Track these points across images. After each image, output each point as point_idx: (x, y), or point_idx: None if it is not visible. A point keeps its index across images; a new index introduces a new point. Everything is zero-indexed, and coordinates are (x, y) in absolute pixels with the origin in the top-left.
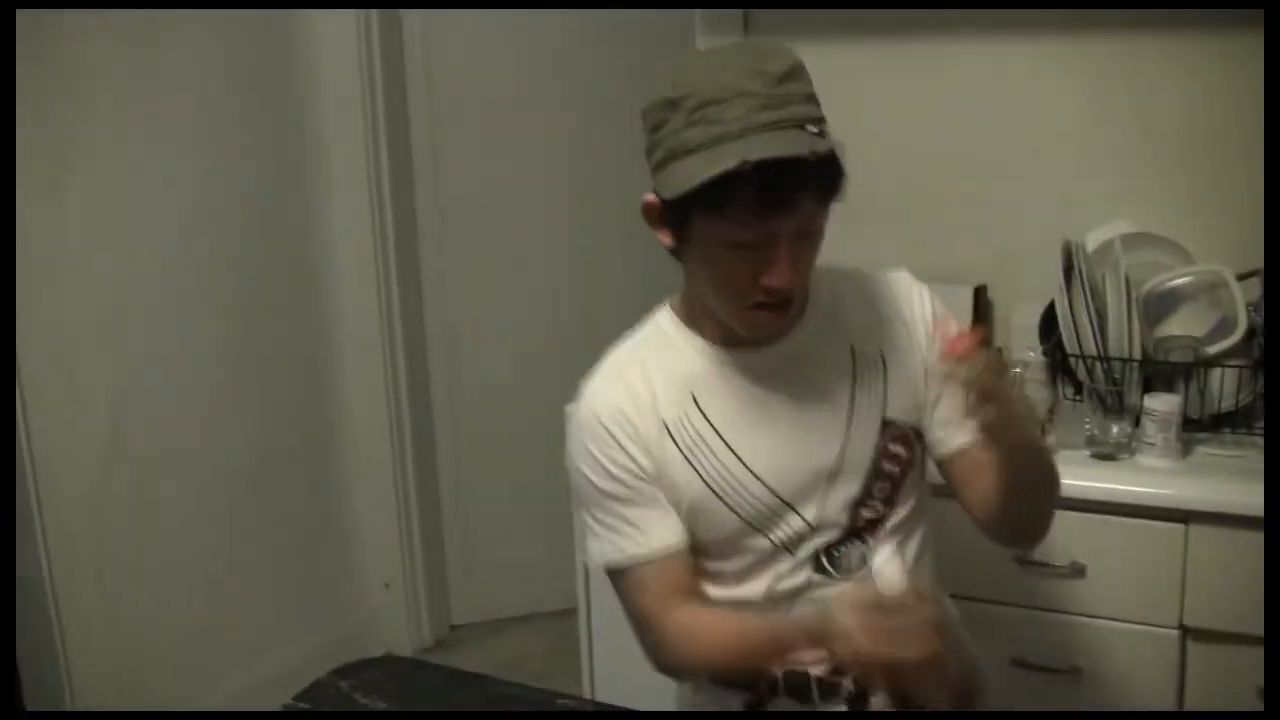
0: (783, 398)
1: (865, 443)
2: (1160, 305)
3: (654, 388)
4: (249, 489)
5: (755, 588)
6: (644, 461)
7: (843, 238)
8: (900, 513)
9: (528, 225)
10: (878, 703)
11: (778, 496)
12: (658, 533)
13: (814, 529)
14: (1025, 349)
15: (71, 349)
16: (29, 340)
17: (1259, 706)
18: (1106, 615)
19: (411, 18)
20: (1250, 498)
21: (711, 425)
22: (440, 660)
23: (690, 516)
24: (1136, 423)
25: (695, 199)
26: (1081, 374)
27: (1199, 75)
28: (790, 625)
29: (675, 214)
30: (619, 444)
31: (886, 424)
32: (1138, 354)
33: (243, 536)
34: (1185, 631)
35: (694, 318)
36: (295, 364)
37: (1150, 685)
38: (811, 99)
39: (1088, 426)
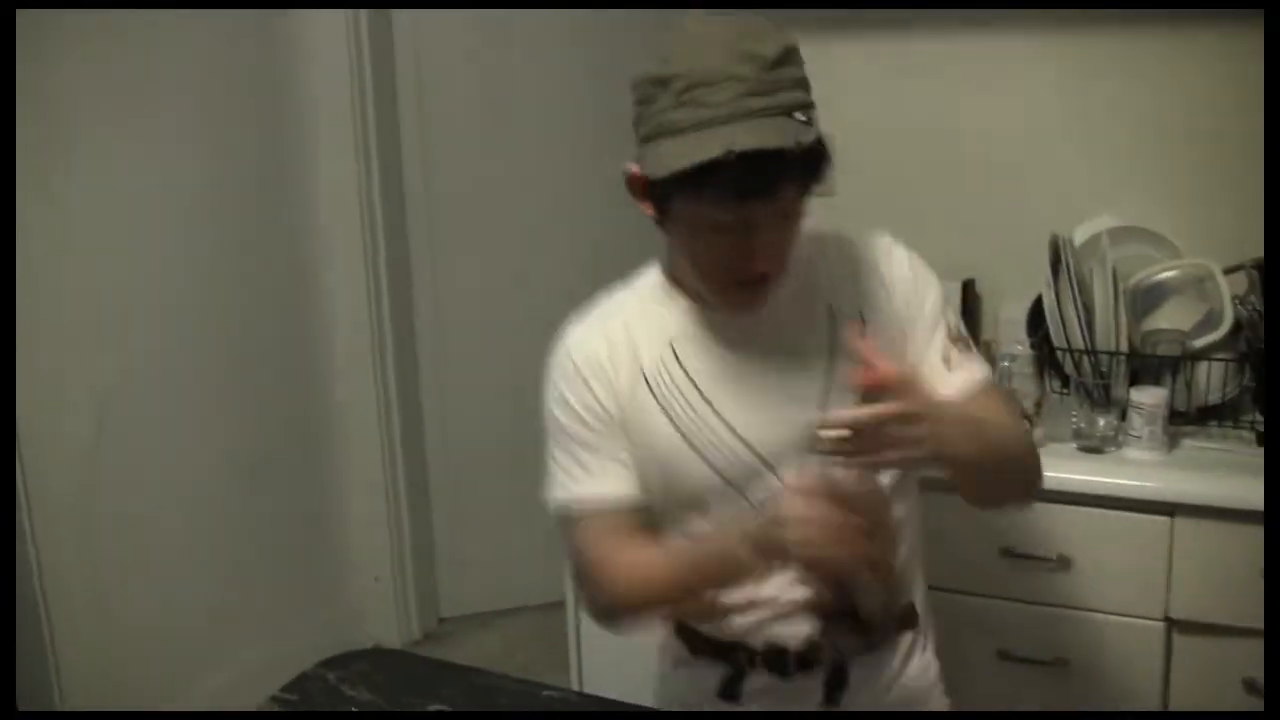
0: (762, 359)
1: (843, 400)
2: (1147, 299)
3: (634, 335)
4: (238, 483)
5: None
6: (611, 407)
7: None
8: (883, 479)
9: (517, 221)
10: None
11: (756, 454)
12: (609, 483)
13: None
14: (1014, 343)
15: (58, 346)
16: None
17: (1244, 698)
18: (1093, 607)
19: (401, 17)
20: (1236, 490)
21: (690, 378)
22: (428, 653)
23: (665, 469)
24: (1123, 416)
25: (677, 180)
26: (1069, 367)
27: (1186, 71)
28: (731, 538)
29: (658, 191)
30: (588, 386)
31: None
32: (1124, 347)
33: (232, 530)
34: (1171, 623)
35: (677, 280)
36: (284, 359)
37: (1136, 677)
38: (802, 84)
39: (1075, 420)
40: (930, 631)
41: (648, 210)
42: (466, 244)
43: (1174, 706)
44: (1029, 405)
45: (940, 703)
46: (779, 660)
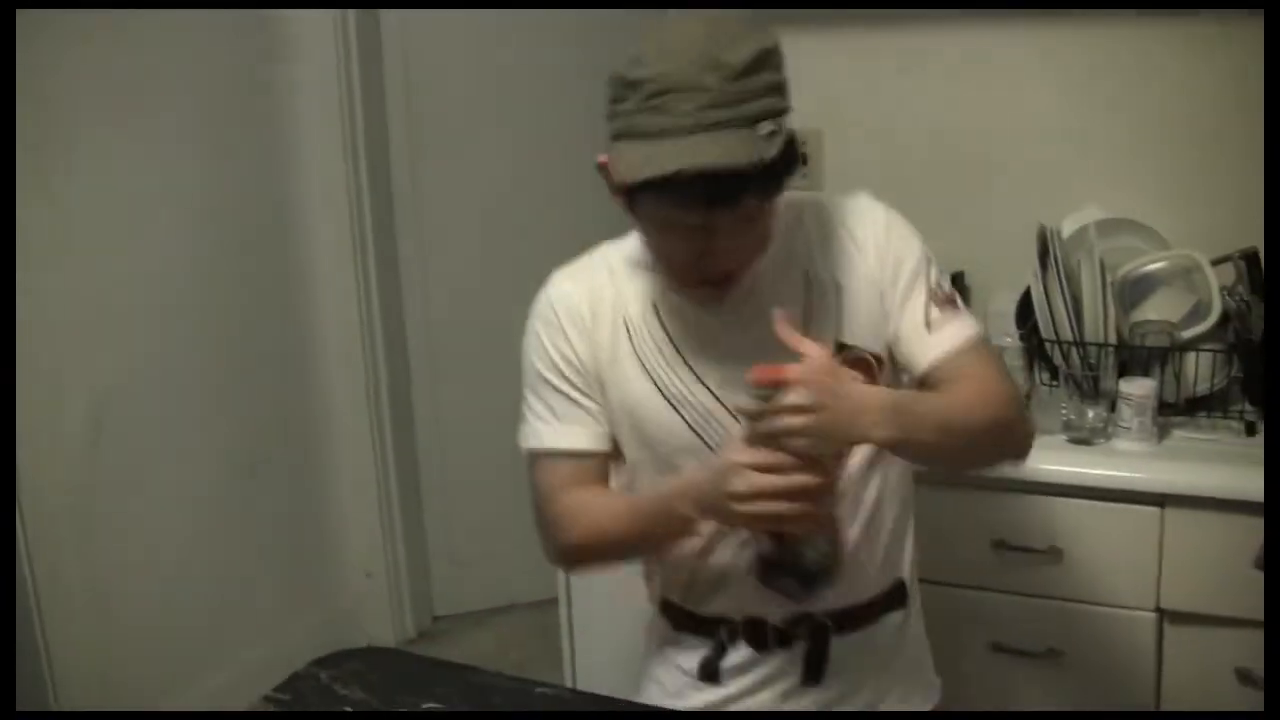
0: (740, 325)
1: None
2: (1135, 290)
3: (619, 290)
4: (231, 481)
5: None
6: (587, 359)
7: None
8: (862, 445)
9: (506, 219)
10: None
11: (731, 414)
12: (577, 432)
13: None
14: (1003, 335)
15: (55, 346)
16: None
17: (1237, 687)
18: (1084, 599)
19: (389, 17)
20: (1226, 481)
21: (669, 337)
22: (423, 651)
23: (641, 425)
24: (1112, 407)
25: (639, 184)
26: (1058, 359)
27: (1174, 63)
28: (679, 487)
29: (624, 187)
30: (566, 337)
31: (841, 348)
32: (1113, 339)
33: (225, 529)
34: (1162, 614)
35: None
36: (276, 358)
37: (1128, 667)
38: (775, 89)
39: (1064, 411)
40: (916, 603)
41: (618, 200)
42: (455, 242)
43: (1166, 696)
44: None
45: (930, 682)
46: (759, 634)
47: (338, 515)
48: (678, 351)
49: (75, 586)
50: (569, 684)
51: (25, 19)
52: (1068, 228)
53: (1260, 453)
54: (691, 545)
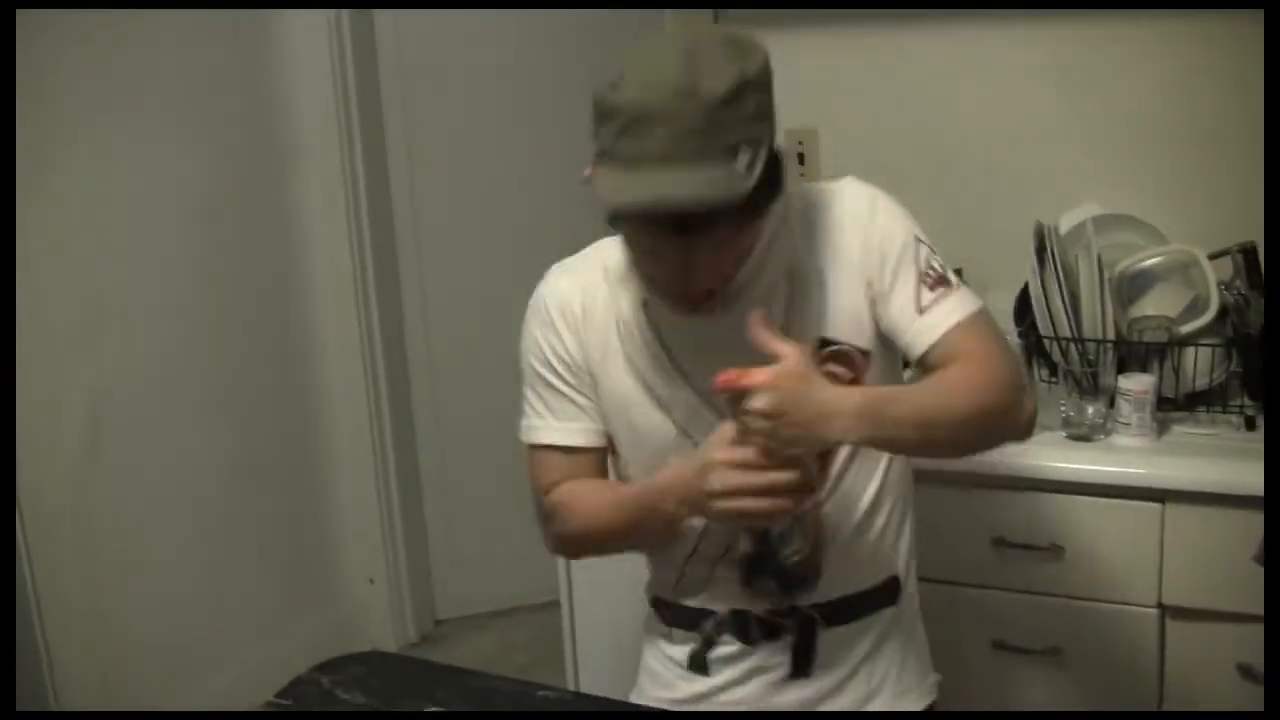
0: (726, 325)
1: None
2: (1133, 286)
3: (614, 284)
4: (231, 487)
5: None
6: (579, 356)
7: None
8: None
9: (504, 220)
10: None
11: (714, 411)
12: (570, 428)
13: None
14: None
15: (53, 348)
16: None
17: (1239, 683)
18: (1085, 595)
19: (383, 17)
20: (1226, 476)
21: (658, 335)
22: (425, 655)
23: (630, 421)
24: (1111, 403)
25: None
26: (1056, 356)
27: (1169, 58)
28: (662, 482)
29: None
30: (557, 331)
31: (824, 343)
32: (1111, 335)
33: (225, 534)
34: (1164, 610)
35: None
36: (275, 362)
37: (1130, 664)
38: (757, 116)
39: (1063, 408)
40: (913, 604)
41: (600, 216)
42: (454, 243)
43: (1169, 693)
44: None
45: (927, 679)
46: (743, 626)
47: (338, 519)
48: (666, 351)
49: (75, 590)
50: (571, 686)
51: (25, 19)
52: (1065, 224)
53: (1260, 447)
54: (682, 548)
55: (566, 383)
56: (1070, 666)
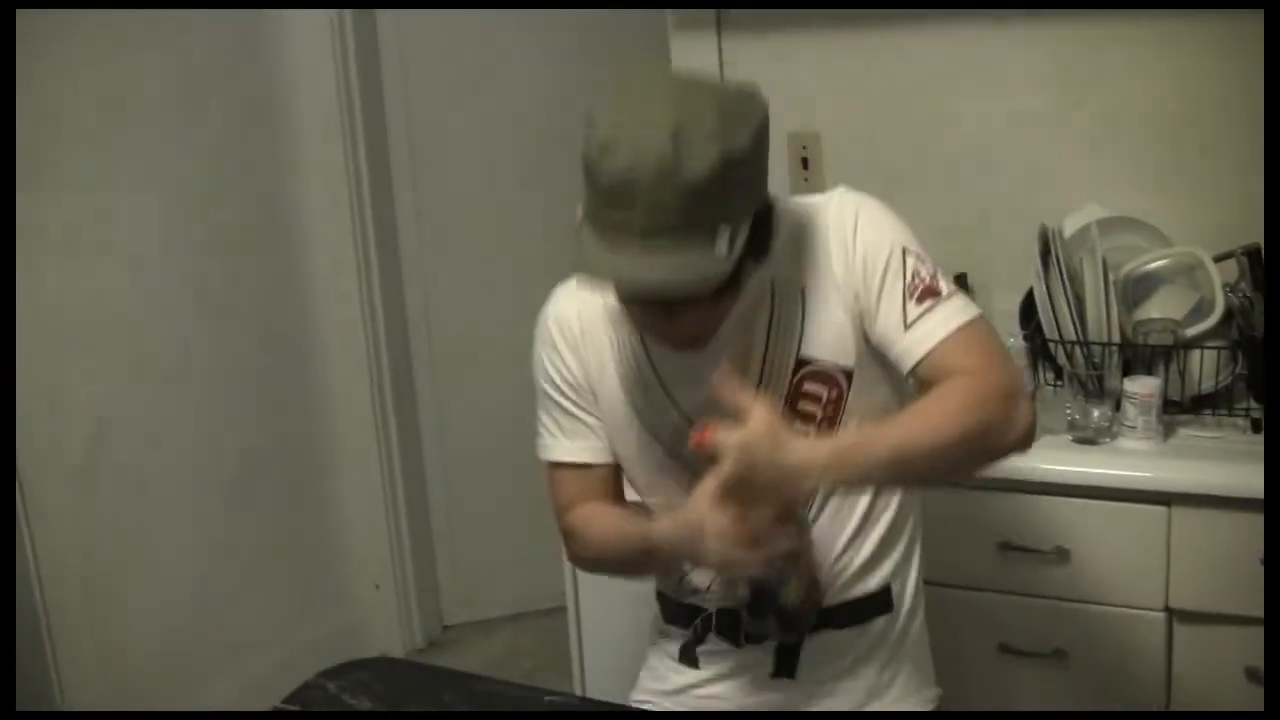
0: (711, 348)
1: (779, 381)
2: (1138, 288)
3: (612, 303)
4: (236, 493)
5: None
6: (579, 373)
7: None
8: None
9: (508, 220)
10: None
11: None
12: (580, 445)
13: None
14: (1007, 335)
15: (54, 355)
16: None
17: (1247, 687)
18: (1091, 599)
19: (385, 17)
20: (1232, 479)
21: (649, 357)
22: (432, 660)
23: (623, 436)
24: (1117, 406)
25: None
26: (1061, 359)
27: (1172, 59)
28: (659, 533)
29: None
30: (559, 352)
31: (802, 362)
32: (1116, 337)
33: (231, 540)
34: (1171, 613)
35: None
36: (279, 367)
37: (1137, 668)
38: (741, 194)
39: (1069, 411)
40: (914, 617)
41: None
42: (458, 246)
43: (1176, 697)
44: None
45: (924, 692)
46: (732, 629)
47: (344, 525)
48: (656, 373)
49: (80, 596)
50: (578, 692)
51: (25, 19)
52: (1069, 227)
53: None
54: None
55: (573, 402)
56: (1076, 671)
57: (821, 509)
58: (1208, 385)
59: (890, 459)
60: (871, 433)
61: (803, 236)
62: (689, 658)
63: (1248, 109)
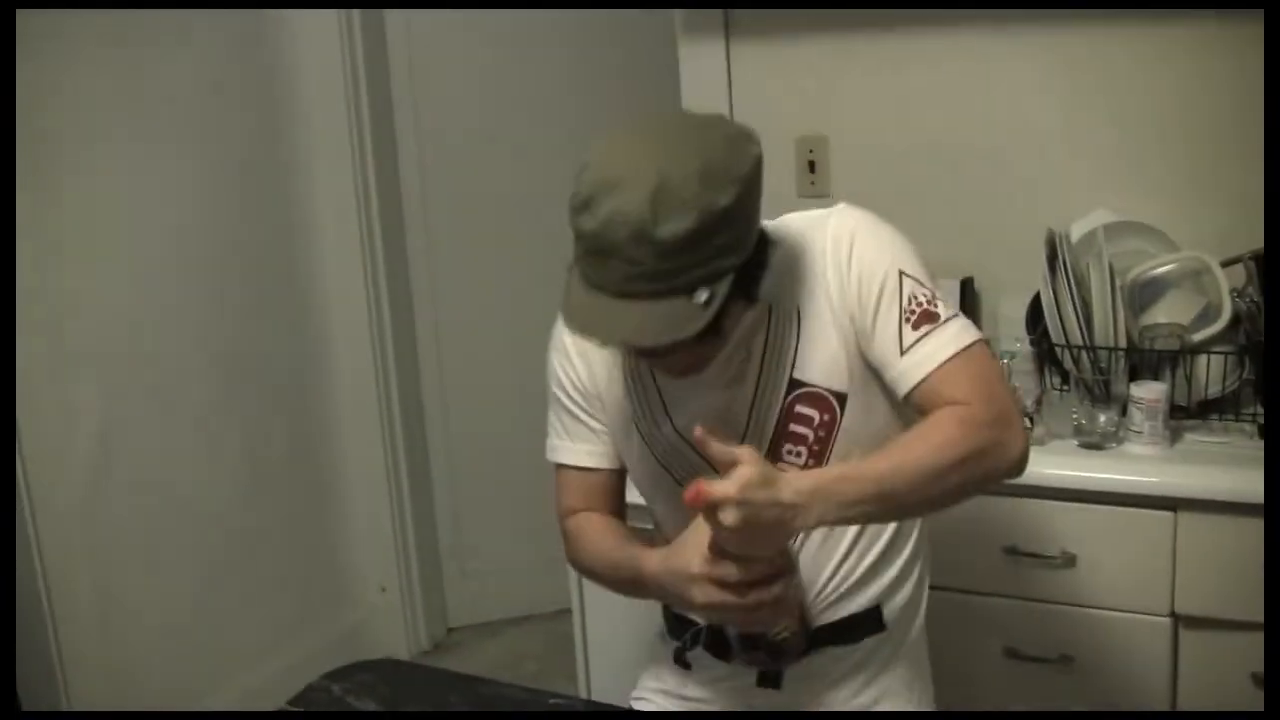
0: (712, 371)
1: (772, 403)
2: (1145, 293)
3: None
4: (242, 495)
5: None
6: (588, 380)
7: None
8: None
9: (517, 226)
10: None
11: (694, 450)
12: (584, 449)
13: None
14: (1013, 340)
15: (61, 358)
16: (18, 351)
17: (1254, 693)
18: (1098, 604)
19: (394, 17)
20: (1239, 484)
21: (651, 370)
22: (437, 663)
23: (623, 445)
24: (1124, 411)
25: None
26: (1068, 364)
27: (1178, 64)
28: (650, 573)
29: None
30: (570, 358)
31: (795, 384)
32: (1123, 342)
33: (237, 542)
34: (1177, 619)
35: None
36: (286, 370)
37: (1143, 673)
38: (720, 252)
39: (1075, 416)
40: (909, 633)
41: None
42: (465, 246)
43: (1182, 703)
44: (1030, 403)
45: (916, 709)
46: (722, 645)
47: (350, 527)
48: (656, 386)
49: (87, 599)
50: (583, 695)
51: (26, 19)
52: (1076, 232)
53: None
54: None
55: (580, 407)
56: (1082, 676)
57: (808, 535)
58: (1214, 390)
59: (876, 492)
60: (858, 465)
61: (798, 258)
62: (681, 661)
63: (1255, 114)
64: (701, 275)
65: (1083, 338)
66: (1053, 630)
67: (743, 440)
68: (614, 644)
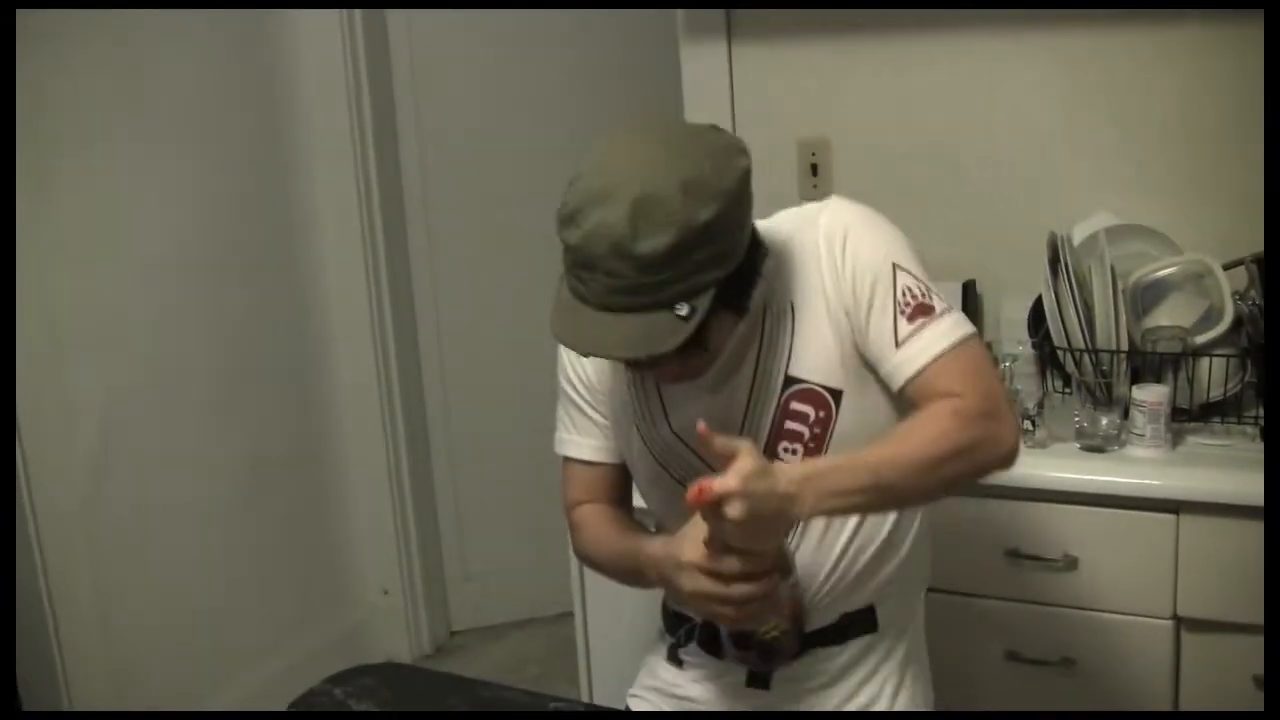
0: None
1: (767, 401)
2: (1147, 296)
3: None
4: (244, 497)
5: None
6: (593, 375)
7: None
8: None
9: (519, 226)
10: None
11: (691, 450)
12: (588, 443)
13: None
14: (1015, 342)
15: (62, 358)
16: (18, 350)
17: (1256, 695)
18: (1100, 607)
19: (396, 17)
20: (1241, 486)
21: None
22: (440, 666)
23: (625, 444)
24: (1125, 414)
25: None
26: (1070, 367)
27: (1180, 66)
28: (649, 556)
29: None
30: (579, 358)
31: (790, 381)
32: (1125, 345)
33: (239, 544)
34: (1179, 621)
35: None
36: (287, 370)
37: (1145, 676)
38: (702, 266)
39: (1077, 419)
40: (904, 635)
41: None
42: (467, 246)
43: (1185, 705)
44: (1031, 406)
45: (910, 703)
46: (714, 642)
47: (352, 529)
48: (655, 388)
49: (88, 600)
50: (585, 698)
51: (26, 21)
52: (1078, 234)
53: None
54: None
55: (585, 401)
56: (1084, 679)
57: (805, 533)
58: (1216, 393)
59: (869, 482)
60: (851, 455)
61: (792, 254)
62: (674, 658)
63: (1256, 115)
64: (683, 290)
65: (1084, 340)
66: (1054, 633)
67: (741, 438)
68: (616, 647)
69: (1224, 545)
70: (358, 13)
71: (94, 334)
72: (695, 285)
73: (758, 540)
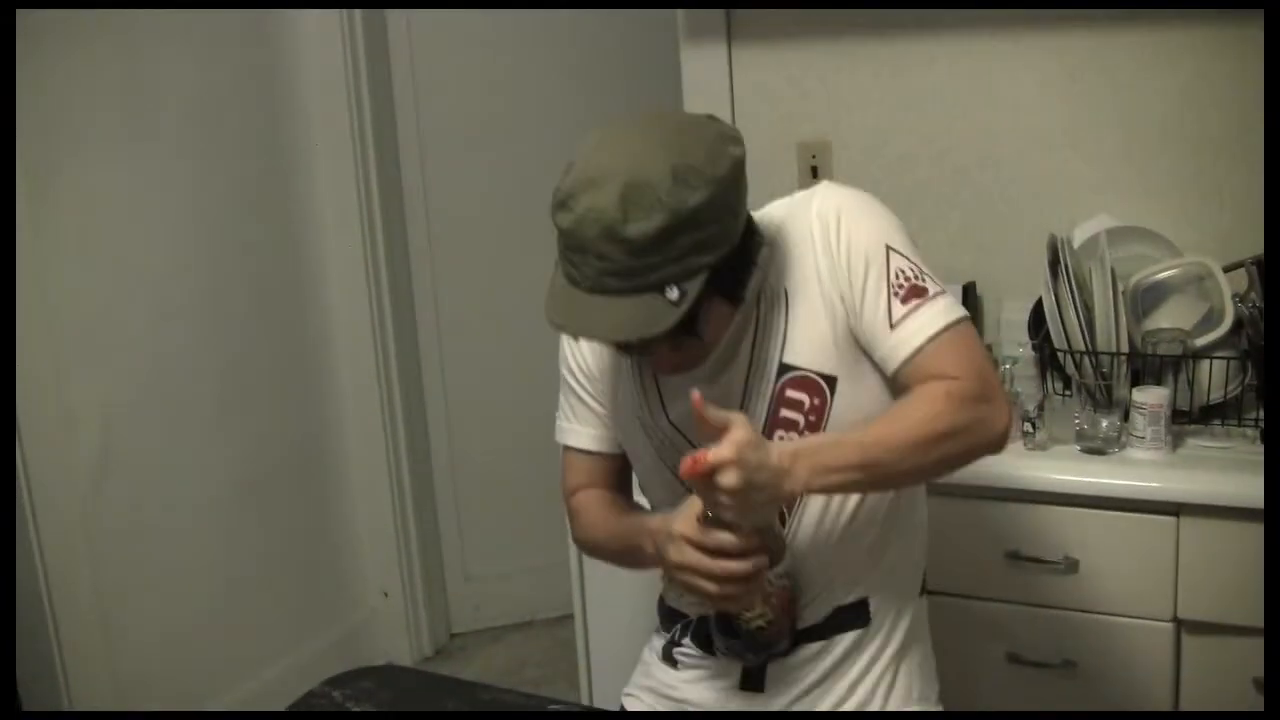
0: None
1: (763, 389)
2: (1147, 298)
3: None
4: (244, 499)
5: None
6: (594, 364)
7: None
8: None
9: (519, 226)
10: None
11: (688, 440)
12: (588, 433)
13: None
14: (1015, 344)
15: (62, 361)
16: (18, 354)
17: (1256, 698)
18: (1100, 609)
19: (396, 17)
20: (1241, 489)
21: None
22: (440, 668)
23: (625, 434)
24: (1126, 416)
25: None
26: (1070, 369)
27: (1181, 68)
28: (647, 529)
29: None
30: (579, 347)
31: (785, 368)
32: (1125, 347)
33: (239, 547)
34: (1179, 624)
35: None
36: (288, 374)
37: (1145, 678)
38: (692, 251)
39: (1077, 421)
40: (895, 631)
41: None
42: (467, 246)
43: (1185, 708)
44: (1032, 408)
45: (913, 705)
46: (705, 635)
47: (353, 532)
48: (654, 378)
49: (89, 603)
50: (585, 700)
51: (26, 20)
52: (1078, 237)
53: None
54: None
55: (586, 391)
56: (1084, 681)
57: (801, 520)
58: (1216, 395)
59: (860, 460)
60: (844, 434)
61: (785, 240)
62: (668, 657)
63: (1257, 118)
64: (673, 273)
65: (1085, 343)
66: (1055, 635)
67: None
68: (616, 650)
69: (1224, 548)
70: (358, 13)
71: (94, 334)
72: (686, 269)
73: (749, 514)
